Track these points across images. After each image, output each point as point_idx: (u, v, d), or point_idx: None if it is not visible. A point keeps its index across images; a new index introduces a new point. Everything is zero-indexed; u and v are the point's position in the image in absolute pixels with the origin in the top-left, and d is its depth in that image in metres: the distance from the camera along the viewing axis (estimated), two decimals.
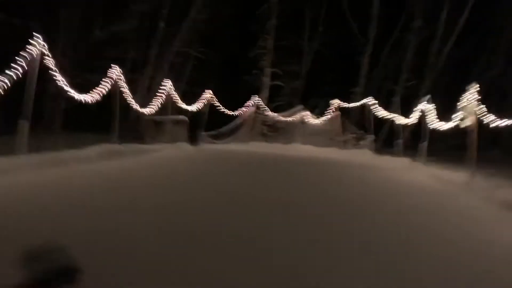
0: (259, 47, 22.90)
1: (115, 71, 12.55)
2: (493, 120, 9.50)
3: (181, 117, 18.09)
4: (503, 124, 9.34)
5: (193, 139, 18.07)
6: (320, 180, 10.85)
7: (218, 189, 7.96)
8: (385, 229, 5.65)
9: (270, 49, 22.99)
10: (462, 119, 10.41)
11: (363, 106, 19.79)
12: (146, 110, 15.75)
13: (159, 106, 16.65)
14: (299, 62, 25.01)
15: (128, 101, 13.91)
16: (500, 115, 10.18)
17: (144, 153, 12.90)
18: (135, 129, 17.49)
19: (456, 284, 3.82)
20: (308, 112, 20.60)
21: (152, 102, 16.14)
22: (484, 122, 10.03)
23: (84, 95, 11.32)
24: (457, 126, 11.51)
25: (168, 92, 16.97)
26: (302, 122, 20.38)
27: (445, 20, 22.09)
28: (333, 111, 19.93)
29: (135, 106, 14.52)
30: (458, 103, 11.09)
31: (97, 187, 7.24)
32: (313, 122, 20.37)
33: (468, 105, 10.28)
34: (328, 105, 20.70)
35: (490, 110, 10.28)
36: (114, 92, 12.55)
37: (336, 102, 19.92)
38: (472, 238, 5.46)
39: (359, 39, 24.09)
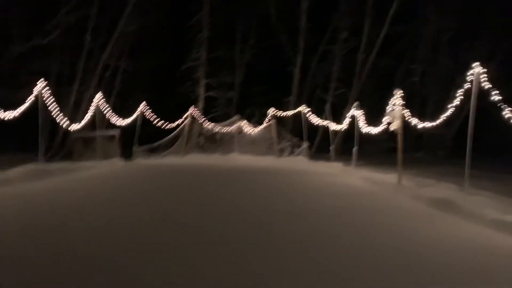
0: (193, 59, 22.77)
1: (40, 86, 11.82)
2: (416, 123, 10.11)
3: (113, 131, 17.43)
4: (426, 126, 9.97)
5: (126, 155, 17.47)
6: (259, 187, 10.93)
7: (154, 205, 7.70)
8: (321, 230, 5.80)
9: (204, 61, 22.95)
10: (389, 123, 10.96)
11: (297, 114, 20.34)
12: (75, 126, 14.98)
13: (89, 121, 15.95)
14: (233, 73, 25.22)
15: (55, 117, 13.15)
16: (422, 119, 10.91)
17: (74, 171, 12.22)
18: (63, 146, 16.58)
19: (386, 278, 3.96)
20: (245, 122, 20.74)
21: (81, 118, 15.39)
22: (410, 125, 10.66)
23: (7, 111, 10.54)
24: (386, 130, 12.15)
25: (98, 106, 16.30)
26: (240, 132, 20.48)
27: (368, 32, 23.41)
28: (268, 120, 20.24)
29: (63, 122, 13.75)
30: (385, 108, 11.72)
31: (20, 211, 6.68)
32: (250, 132, 20.54)
33: (394, 110, 10.87)
34: (263, 115, 21.01)
35: (413, 114, 10.97)
36: (39, 108, 11.79)
37: (271, 111, 20.26)
38: (404, 233, 5.76)
39: (289, 51, 24.80)
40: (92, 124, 16.54)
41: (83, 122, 15.32)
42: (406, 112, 10.60)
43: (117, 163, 15.89)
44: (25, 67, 15.86)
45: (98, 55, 19.35)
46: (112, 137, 17.71)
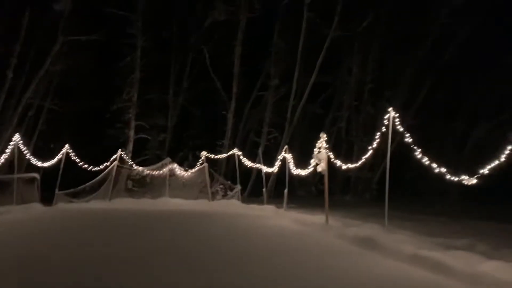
0: (123, 100, 22.32)
1: None
2: (341, 165, 10.54)
3: (32, 174, 16.31)
4: (350, 167, 10.41)
5: (47, 199, 16.32)
6: (188, 231, 10.61)
7: (72, 251, 7.17)
8: (252, 272, 5.74)
9: (134, 102, 22.58)
10: (316, 164, 11.33)
11: (230, 157, 20.40)
12: None
13: (6, 163, 14.85)
14: (166, 115, 25.01)
15: None
16: (348, 162, 11.44)
17: None
18: None
19: None
20: (176, 165, 20.36)
21: None
22: (336, 168, 11.08)
23: None
24: (315, 173, 12.53)
25: (17, 147, 15.26)
26: (171, 175, 20.03)
27: (297, 80, 24.56)
28: (201, 163, 20.06)
29: None
30: (313, 152, 12.15)
31: None
32: (182, 175, 20.18)
33: (320, 152, 11.28)
34: (196, 158, 20.82)
35: (339, 158, 11.47)
36: None
37: (203, 154, 20.15)
38: (328, 271, 5.88)
39: (222, 95, 25.23)
40: (9, 166, 15.41)
41: None
42: (331, 155, 11.05)
43: (36, 208, 14.78)
44: None
45: (20, 93, 18.33)
46: (32, 180, 16.56)
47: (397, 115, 7.81)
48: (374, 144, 8.52)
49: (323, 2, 23.26)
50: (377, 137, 8.52)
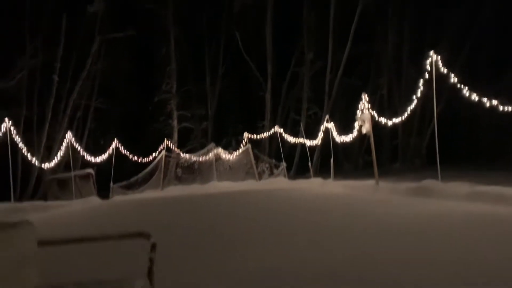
0: (163, 91, 22.86)
1: (6, 125, 11.60)
2: (386, 122, 10.32)
3: (87, 170, 17.10)
4: (396, 122, 10.15)
5: (103, 193, 17.08)
6: (242, 207, 10.71)
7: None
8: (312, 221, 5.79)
9: (174, 93, 23.08)
10: (360, 126, 11.16)
11: (273, 136, 20.46)
12: (48, 168, 14.65)
13: (62, 162, 15.67)
14: (205, 104, 25.37)
15: (27, 158, 12.87)
16: (393, 130, 11.17)
17: (48, 209, 11.80)
18: (37, 188, 16.13)
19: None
20: (220, 149, 20.69)
21: (53, 159, 15.09)
22: (380, 125, 10.87)
23: None
24: (361, 138, 12.34)
25: (70, 146, 16.05)
26: (217, 159, 20.38)
27: (332, 52, 24.08)
28: (244, 145, 20.26)
29: (35, 163, 13.45)
30: (355, 116, 11.96)
31: None
32: (227, 158, 20.48)
33: (363, 114, 11.10)
34: (239, 143, 21.05)
35: (383, 127, 11.22)
36: (9, 145, 11.51)
37: (246, 136, 20.33)
38: (385, 214, 5.80)
39: (258, 77, 25.20)
40: (65, 165, 16.24)
41: (55, 162, 15.00)
42: (374, 114, 10.84)
43: (93, 201, 15.49)
44: None
45: (67, 96, 19.23)
46: (87, 176, 17.36)
47: (439, 56, 7.49)
48: (418, 91, 8.20)
49: None
50: (420, 84, 8.21)
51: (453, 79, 7.23)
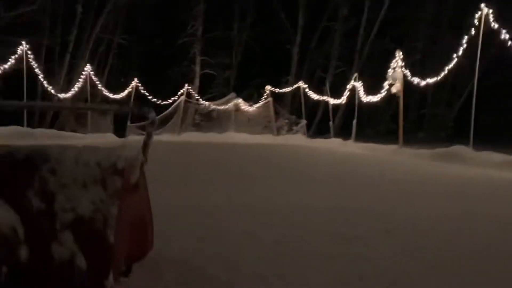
0: (188, 34, 22.14)
1: (23, 48, 11.30)
2: (419, 82, 9.63)
3: (112, 106, 16.95)
4: (430, 82, 9.46)
5: (119, 131, 17.00)
6: (257, 157, 10.39)
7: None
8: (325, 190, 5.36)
9: (200, 37, 22.33)
10: (391, 85, 10.49)
11: (295, 92, 19.83)
12: (67, 97, 14.51)
13: (81, 94, 15.50)
14: (230, 53, 24.60)
15: (44, 86, 12.68)
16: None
17: (59, 138, 11.73)
18: (56, 118, 16.09)
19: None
20: (241, 100, 20.23)
21: (72, 89, 14.92)
22: (411, 84, 10.19)
23: None
24: (387, 97, 11.68)
25: (90, 79, 15.83)
26: (236, 110, 19.98)
27: (368, 11, 22.80)
28: (265, 98, 19.73)
29: (53, 91, 13.27)
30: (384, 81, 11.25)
31: None
32: (247, 110, 20.06)
33: (395, 72, 10.39)
34: (260, 94, 20.50)
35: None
36: (23, 70, 11.29)
37: (268, 88, 19.75)
38: (402, 181, 5.31)
39: (288, 29, 24.17)
40: (85, 98, 16.09)
41: (73, 92, 14.83)
42: (408, 73, 10.13)
43: (110, 137, 15.46)
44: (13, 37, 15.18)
45: (90, 28, 18.74)
46: (108, 112, 17.23)
47: (491, 11, 6.67)
48: (461, 49, 7.44)
49: None
50: (464, 40, 7.44)
51: (504, 35, 6.45)
